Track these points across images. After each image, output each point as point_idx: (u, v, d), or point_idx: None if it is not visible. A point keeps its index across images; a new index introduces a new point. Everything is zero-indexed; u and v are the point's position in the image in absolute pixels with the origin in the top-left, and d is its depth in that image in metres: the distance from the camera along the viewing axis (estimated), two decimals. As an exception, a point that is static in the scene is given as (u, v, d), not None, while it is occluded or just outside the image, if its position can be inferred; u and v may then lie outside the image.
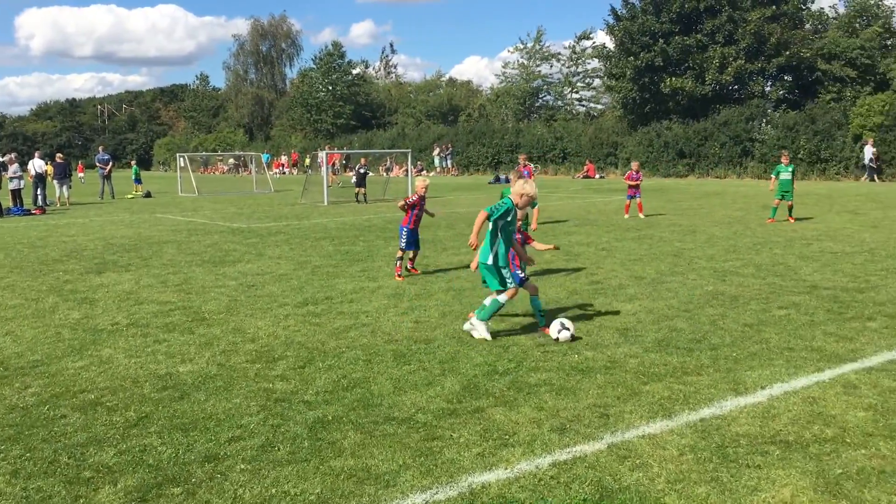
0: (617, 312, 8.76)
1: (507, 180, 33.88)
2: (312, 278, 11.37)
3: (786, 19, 43.28)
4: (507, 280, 7.63)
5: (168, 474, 4.65)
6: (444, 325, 8.25)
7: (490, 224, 7.64)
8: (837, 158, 37.32)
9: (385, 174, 46.63)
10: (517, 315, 8.63)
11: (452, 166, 53.90)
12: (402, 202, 11.57)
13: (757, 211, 21.19)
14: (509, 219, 7.61)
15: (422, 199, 11.56)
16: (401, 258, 11.47)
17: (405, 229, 11.44)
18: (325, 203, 26.79)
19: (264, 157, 55.61)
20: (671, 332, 7.80)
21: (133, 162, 40.37)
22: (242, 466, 4.74)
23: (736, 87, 44.35)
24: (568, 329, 7.39)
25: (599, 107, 60.46)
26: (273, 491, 4.42)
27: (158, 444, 5.09)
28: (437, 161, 54.35)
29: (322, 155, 31.94)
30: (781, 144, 38.91)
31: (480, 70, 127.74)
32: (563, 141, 49.93)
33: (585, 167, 45.59)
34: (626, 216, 19.91)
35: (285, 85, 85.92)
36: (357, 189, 27.78)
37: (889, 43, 43.81)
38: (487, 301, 7.76)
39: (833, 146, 37.50)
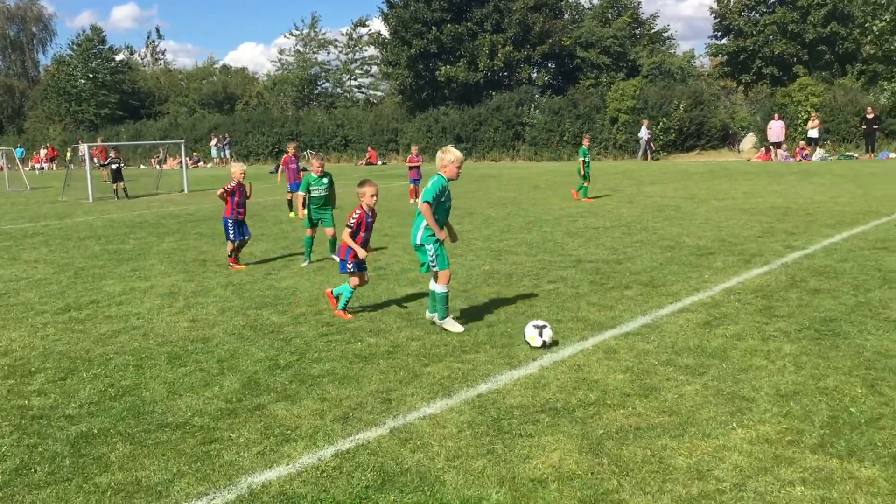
0: (400, 297, 8.89)
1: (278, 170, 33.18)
2: (75, 281, 10.52)
3: (547, 9, 46.01)
4: (432, 263, 7.34)
5: None
6: (223, 322, 7.95)
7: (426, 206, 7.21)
8: (598, 140, 40.28)
9: (158, 167, 44.15)
10: (306, 307, 8.50)
11: (231, 156, 52.09)
12: (221, 190, 11.28)
13: (529, 192, 22.38)
14: (443, 198, 7.32)
15: (240, 185, 11.30)
16: (231, 251, 11.27)
17: (228, 220, 11.20)
18: (91, 200, 24.91)
19: (18, 152, 50.59)
20: (451, 313, 8.02)
21: None
22: (-8, 496, 4.28)
23: (506, 73, 46.55)
24: (546, 330, 6.64)
25: (379, 94, 61.06)
26: (29, 518, 4.03)
27: None
28: (214, 151, 52.24)
29: (84, 148, 29.62)
30: (549, 128, 41.44)
31: (256, 57, 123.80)
32: (345, 128, 49.95)
33: (367, 154, 45.87)
34: (412, 201, 20.25)
35: (38, 72, 78.53)
36: (115, 185, 25.83)
37: (637, 32, 47.98)
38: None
39: (594, 128, 40.44)
